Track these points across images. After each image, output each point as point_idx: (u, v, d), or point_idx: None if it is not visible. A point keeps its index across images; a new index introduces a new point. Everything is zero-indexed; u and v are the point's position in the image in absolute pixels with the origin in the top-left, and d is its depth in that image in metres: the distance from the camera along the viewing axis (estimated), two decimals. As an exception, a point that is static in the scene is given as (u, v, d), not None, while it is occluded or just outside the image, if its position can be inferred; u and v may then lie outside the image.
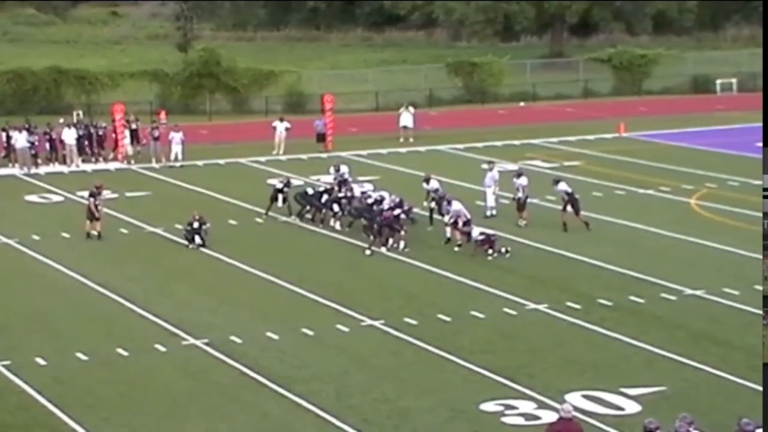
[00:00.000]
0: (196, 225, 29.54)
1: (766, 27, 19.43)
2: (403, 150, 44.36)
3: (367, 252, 28.62)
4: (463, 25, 79.44)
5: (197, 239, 29.40)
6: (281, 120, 44.54)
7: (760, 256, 27.56)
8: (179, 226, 30.61)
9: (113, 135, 42.73)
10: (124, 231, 31.75)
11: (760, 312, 23.35)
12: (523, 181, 31.45)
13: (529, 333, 22.61)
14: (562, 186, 31.00)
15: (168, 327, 23.24)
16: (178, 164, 40.70)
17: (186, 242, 29.59)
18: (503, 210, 32.60)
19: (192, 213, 29.93)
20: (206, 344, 22.15)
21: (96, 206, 30.45)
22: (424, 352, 21.57)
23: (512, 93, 59.17)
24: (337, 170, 33.52)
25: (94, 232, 30.44)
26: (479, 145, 44.83)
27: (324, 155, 42.49)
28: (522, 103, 57.84)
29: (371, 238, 29.02)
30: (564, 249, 28.64)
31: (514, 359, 21.04)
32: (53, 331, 23.26)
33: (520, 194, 31.37)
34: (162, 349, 21.97)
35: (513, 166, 39.58)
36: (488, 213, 32.38)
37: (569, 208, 30.59)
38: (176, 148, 40.94)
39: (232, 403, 19.27)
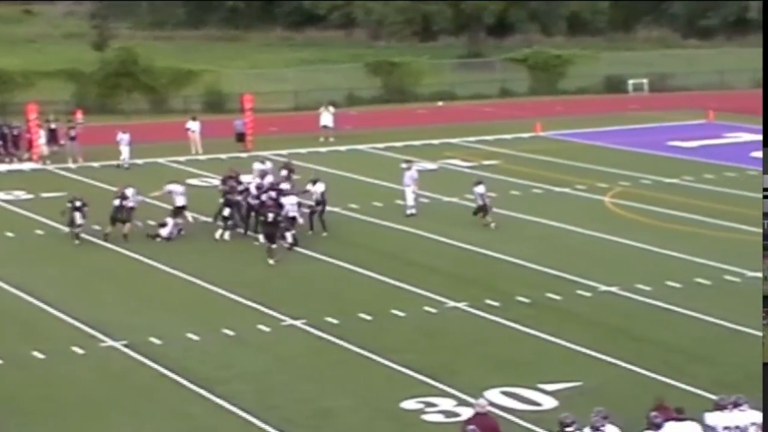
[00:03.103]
0: (78, 204, 29.74)
1: (766, 27, 19.88)
2: (323, 149, 44.46)
3: (270, 261, 27.67)
4: (382, 25, 79.80)
5: (78, 218, 29.52)
6: (194, 119, 44.37)
7: (672, 253, 28.27)
8: (97, 228, 30.36)
9: (28, 135, 42.14)
10: (40, 232, 31.37)
11: (672, 307, 23.96)
12: (481, 189, 31.32)
13: (449, 331, 22.88)
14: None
15: (86, 329, 23.02)
16: (126, 165, 40.28)
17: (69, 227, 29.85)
18: (423, 209, 32.91)
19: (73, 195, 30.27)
20: (125, 346, 22.00)
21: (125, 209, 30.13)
22: (346, 351, 21.70)
23: (431, 93, 59.63)
24: (263, 163, 33.73)
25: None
26: (399, 144, 45.11)
27: (244, 155, 42.37)
28: (440, 103, 58.30)
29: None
30: (483, 247, 29.00)
31: (435, 357, 21.27)
32: (-31, 334, 22.91)
33: (480, 201, 31.22)
34: (80, 351, 21.76)
35: (432, 165, 40.02)
36: (408, 212, 32.64)
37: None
38: (124, 150, 40.53)
39: (152, 404, 19.19)
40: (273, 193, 29.65)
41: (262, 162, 34.16)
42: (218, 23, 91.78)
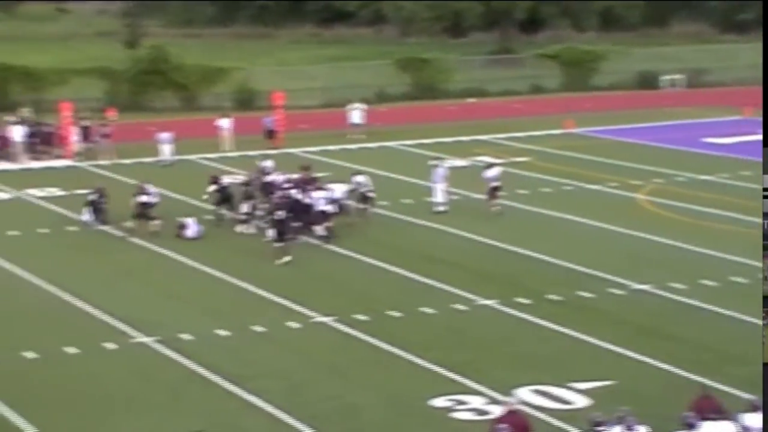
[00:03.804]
0: (92, 198, 30.81)
1: (766, 26, 19.63)
2: (352, 146, 44.43)
3: (285, 259, 27.38)
4: (411, 22, 79.66)
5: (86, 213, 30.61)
6: (225, 116, 44.49)
7: (707, 251, 28.02)
8: (129, 224, 30.51)
9: (62, 132, 42.40)
10: (73, 228, 31.54)
11: (706, 306, 23.72)
12: (494, 172, 32.24)
13: (478, 328, 22.76)
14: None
15: (117, 325, 23.11)
16: (166, 162, 40.60)
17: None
18: (453, 206, 32.79)
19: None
20: (156, 342, 22.06)
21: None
22: (374, 348, 21.64)
23: (461, 89, 59.46)
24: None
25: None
26: (428, 141, 44.99)
27: (273, 152, 42.40)
28: (471, 100, 58.12)
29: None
30: (513, 244, 28.84)
31: (464, 355, 21.16)
32: None
33: (492, 184, 32.00)
34: (111, 347, 21.84)
35: (462, 162, 39.88)
36: (437, 209, 32.53)
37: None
38: (166, 148, 40.86)
39: (181, 400, 19.20)
40: (293, 191, 29.78)
41: (263, 160, 34.06)
42: (247, 21, 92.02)
